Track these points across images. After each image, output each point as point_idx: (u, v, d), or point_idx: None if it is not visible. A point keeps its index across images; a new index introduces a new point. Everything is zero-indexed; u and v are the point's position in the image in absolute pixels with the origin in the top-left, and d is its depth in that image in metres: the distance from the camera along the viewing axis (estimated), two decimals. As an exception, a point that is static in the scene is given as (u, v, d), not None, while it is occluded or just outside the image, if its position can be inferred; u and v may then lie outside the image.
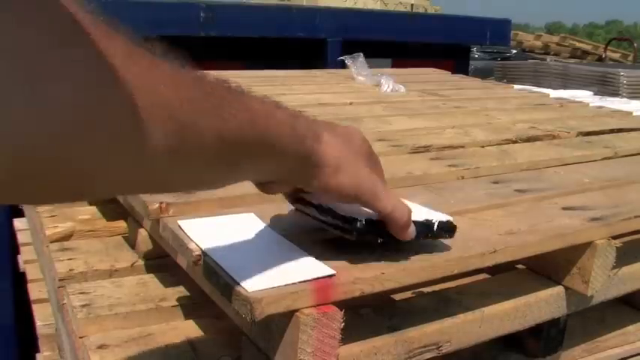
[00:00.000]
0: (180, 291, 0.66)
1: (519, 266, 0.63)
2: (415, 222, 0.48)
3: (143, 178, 0.35)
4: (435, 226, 0.50)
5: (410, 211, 0.47)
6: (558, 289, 0.59)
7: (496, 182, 0.75)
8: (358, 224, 0.46)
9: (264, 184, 0.46)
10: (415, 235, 0.48)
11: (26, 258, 1.20)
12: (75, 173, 0.29)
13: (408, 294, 0.57)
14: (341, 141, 0.45)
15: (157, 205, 0.58)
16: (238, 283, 0.43)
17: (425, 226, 0.49)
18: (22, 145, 0.26)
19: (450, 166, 0.81)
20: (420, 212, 0.51)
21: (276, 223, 0.54)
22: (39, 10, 0.26)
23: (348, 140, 0.46)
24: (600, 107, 1.38)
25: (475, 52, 5.57)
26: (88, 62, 0.28)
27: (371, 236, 0.47)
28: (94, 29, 0.30)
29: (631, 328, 0.72)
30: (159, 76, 0.33)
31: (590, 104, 1.43)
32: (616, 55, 7.31)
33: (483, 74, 2.88)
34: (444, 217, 0.51)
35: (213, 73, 0.40)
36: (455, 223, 0.51)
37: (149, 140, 0.31)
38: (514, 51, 6.86)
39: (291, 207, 0.52)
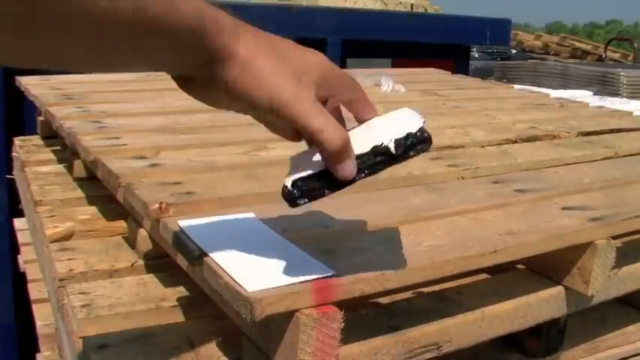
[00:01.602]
0: (180, 291, 0.66)
1: (519, 266, 0.63)
2: (361, 155, 0.41)
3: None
4: (392, 148, 0.41)
5: (347, 137, 0.39)
6: (558, 289, 0.59)
7: (496, 182, 0.75)
8: (290, 188, 0.40)
9: (179, 79, 0.42)
10: (362, 163, 0.40)
11: (26, 258, 1.20)
12: None
13: (408, 294, 0.57)
14: (266, 47, 0.38)
15: (157, 205, 0.58)
16: (238, 284, 0.43)
17: (377, 154, 0.41)
18: None
19: (449, 166, 0.81)
20: (383, 130, 0.42)
21: (276, 223, 0.54)
22: None
23: (284, 54, 0.39)
24: (600, 107, 1.38)
25: (475, 52, 5.57)
26: None
27: (312, 194, 0.41)
28: None
29: (631, 328, 0.72)
30: None
31: (590, 104, 1.43)
32: (616, 55, 7.31)
33: (483, 74, 2.88)
34: (413, 126, 0.41)
35: None
36: (424, 134, 0.42)
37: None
38: (514, 51, 6.86)
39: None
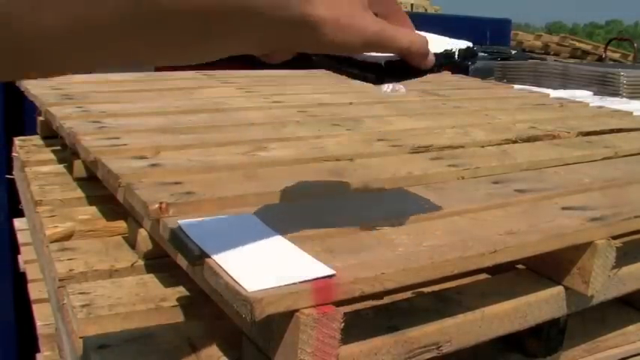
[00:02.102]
0: (181, 291, 0.66)
1: (519, 266, 0.63)
2: (436, 54, 0.48)
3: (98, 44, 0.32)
4: (456, 55, 0.50)
5: (426, 40, 0.46)
6: (558, 289, 0.59)
7: (496, 182, 0.75)
8: (376, 71, 0.46)
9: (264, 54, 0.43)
10: (436, 61, 0.48)
11: (26, 258, 1.20)
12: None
13: (408, 294, 0.57)
14: None
15: (157, 205, 0.58)
16: (238, 283, 0.43)
17: (446, 56, 0.49)
18: None
19: (450, 166, 0.81)
20: (439, 42, 0.50)
21: (276, 223, 0.54)
22: None
23: None
24: (600, 107, 1.38)
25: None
26: None
27: (392, 77, 0.48)
28: None
29: (631, 328, 0.72)
30: None
31: (590, 104, 1.43)
32: (616, 55, 7.31)
33: (483, 74, 2.87)
34: (464, 44, 0.50)
35: None
36: (475, 49, 0.51)
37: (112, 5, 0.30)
38: (514, 51, 6.86)
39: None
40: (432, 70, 0.48)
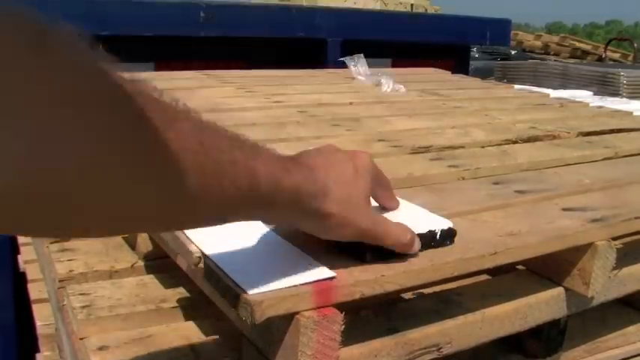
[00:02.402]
0: (181, 292, 0.66)
1: (520, 267, 0.63)
2: (419, 234, 0.50)
3: (130, 223, 0.36)
4: (438, 235, 0.51)
5: (412, 234, 0.49)
6: (559, 291, 0.59)
7: (496, 183, 0.75)
8: (367, 257, 0.48)
9: None
10: (419, 246, 0.50)
11: (26, 258, 1.20)
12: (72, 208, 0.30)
13: (408, 295, 0.57)
14: (348, 191, 0.46)
15: (157, 207, 0.58)
16: (239, 286, 0.43)
17: (428, 238, 0.51)
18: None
19: (450, 166, 0.81)
20: (420, 221, 0.52)
21: (276, 225, 0.54)
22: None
23: (356, 182, 0.48)
24: (600, 107, 1.38)
25: (475, 52, 5.57)
26: (98, 132, 0.29)
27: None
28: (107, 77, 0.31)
29: (631, 328, 0.72)
30: (171, 138, 0.33)
31: (590, 104, 1.43)
32: (616, 55, 7.31)
33: (483, 74, 2.88)
34: (446, 225, 0.52)
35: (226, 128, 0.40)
36: (455, 229, 0.52)
37: (142, 198, 0.33)
38: (514, 51, 6.86)
39: None
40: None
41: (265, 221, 0.49)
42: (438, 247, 0.51)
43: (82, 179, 0.29)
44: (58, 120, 0.27)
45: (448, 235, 0.52)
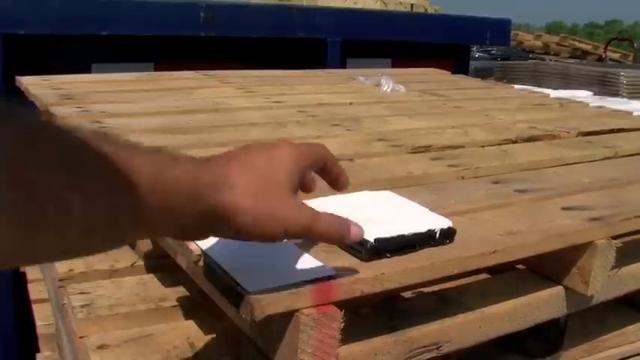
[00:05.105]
0: (181, 291, 0.66)
1: (519, 266, 0.63)
2: (418, 233, 0.50)
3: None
4: (437, 234, 0.51)
5: (339, 222, 0.44)
6: (558, 290, 0.59)
7: (496, 182, 0.75)
8: (368, 245, 0.47)
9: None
10: (417, 240, 0.50)
11: (26, 258, 1.20)
12: None
13: (408, 294, 0.57)
14: (257, 179, 0.41)
15: (157, 206, 0.58)
16: (238, 284, 0.43)
17: (427, 236, 0.51)
18: None
19: (450, 166, 0.81)
20: (419, 219, 0.52)
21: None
22: None
23: (269, 170, 0.43)
24: (600, 107, 1.38)
25: (475, 52, 5.57)
26: None
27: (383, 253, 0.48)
28: None
29: (631, 328, 0.72)
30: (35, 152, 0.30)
31: (590, 104, 1.43)
32: (616, 55, 7.31)
33: (483, 74, 2.88)
34: (445, 224, 0.52)
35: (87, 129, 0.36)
36: (454, 228, 0.52)
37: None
38: (513, 51, 6.86)
39: None
40: (413, 249, 0.50)
41: (177, 237, 0.43)
42: (437, 245, 0.51)
43: None
44: None
45: (448, 234, 0.52)
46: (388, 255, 0.48)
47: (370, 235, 0.47)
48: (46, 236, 0.32)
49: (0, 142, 0.29)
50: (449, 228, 0.52)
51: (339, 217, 0.44)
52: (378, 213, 0.54)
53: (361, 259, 0.48)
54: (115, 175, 0.33)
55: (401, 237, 0.49)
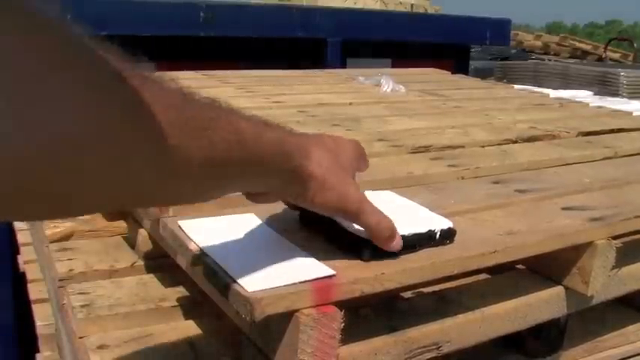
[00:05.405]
0: (180, 291, 0.66)
1: (519, 266, 0.63)
2: (418, 234, 0.50)
3: (130, 192, 0.35)
4: (438, 235, 0.51)
5: (392, 224, 0.48)
6: (558, 290, 0.59)
7: (496, 182, 0.75)
8: (369, 245, 0.47)
9: (252, 194, 0.47)
10: (402, 245, 0.49)
11: (26, 258, 1.20)
12: (69, 187, 0.30)
13: (408, 294, 0.57)
14: (329, 156, 0.46)
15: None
16: (238, 284, 0.43)
17: (427, 236, 0.51)
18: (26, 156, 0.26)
19: (450, 166, 0.81)
20: (420, 220, 0.52)
21: (276, 223, 0.54)
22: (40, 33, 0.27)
23: (337, 154, 0.48)
24: (600, 107, 1.38)
25: (475, 52, 5.56)
26: (86, 83, 0.29)
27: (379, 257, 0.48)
28: (88, 50, 0.30)
29: (631, 328, 0.72)
30: (149, 97, 0.33)
31: (590, 104, 1.43)
32: (616, 55, 7.31)
33: (483, 74, 2.88)
34: (445, 224, 0.52)
35: (201, 93, 0.40)
36: (455, 228, 0.52)
37: (138, 160, 0.33)
38: (513, 51, 6.86)
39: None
40: (413, 249, 0.50)
41: (256, 187, 0.47)
42: (437, 246, 0.51)
43: (80, 137, 0.29)
44: (42, 77, 0.27)
45: (448, 235, 0.52)
46: (388, 255, 0.48)
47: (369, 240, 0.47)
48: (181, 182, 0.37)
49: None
50: (449, 228, 0.52)
51: (392, 223, 0.48)
52: None
53: (361, 259, 0.48)
54: (228, 135, 0.39)
55: (401, 237, 0.49)
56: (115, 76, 0.31)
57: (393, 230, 0.48)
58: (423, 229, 0.51)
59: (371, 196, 0.57)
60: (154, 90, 0.34)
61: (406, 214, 0.54)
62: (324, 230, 0.51)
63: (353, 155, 0.50)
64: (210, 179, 0.40)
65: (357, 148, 0.52)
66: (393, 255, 0.48)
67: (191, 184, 0.38)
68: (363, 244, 0.48)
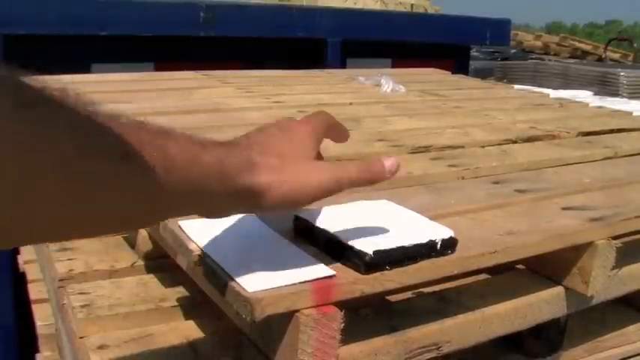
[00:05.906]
0: (181, 291, 0.66)
1: (519, 266, 0.63)
2: (419, 244, 0.48)
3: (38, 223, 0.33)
4: (439, 245, 0.49)
5: (359, 161, 0.46)
6: (558, 290, 0.59)
7: (496, 182, 0.75)
8: (367, 258, 0.46)
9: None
10: (417, 252, 0.48)
11: (26, 258, 1.20)
12: None
13: (408, 294, 0.57)
14: (278, 153, 0.44)
15: (157, 206, 0.58)
16: (238, 284, 0.43)
17: (429, 247, 0.49)
18: None
19: (450, 166, 0.81)
20: (420, 229, 0.51)
21: (276, 223, 0.54)
22: None
23: (290, 140, 0.45)
24: (600, 107, 1.38)
25: (475, 52, 5.56)
26: None
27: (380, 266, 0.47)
28: None
29: (631, 328, 0.72)
30: (59, 129, 0.32)
31: (590, 104, 1.43)
32: (616, 55, 7.31)
33: (483, 74, 2.88)
34: (447, 233, 0.50)
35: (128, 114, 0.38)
36: (456, 237, 0.51)
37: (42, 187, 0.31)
38: (513, 50, 6.86)
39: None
40: (413, 260, 0.48)
41: (203, 214, 0.44)
42: (438, 256, 0.49)
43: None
44: None
45: (449, 245, 0.50)
46: (387, 267, 0.47)
47: (369, 248, 0.46)
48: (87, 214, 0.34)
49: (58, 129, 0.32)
50: (450, 238, 0.50)
51: (366, 160, 0.46)
52: (376, 223, 0.52)
53: (360, 272, 0.46)
54: (152, 162, 0.36)
55: (401, 249, 0.47)
56: (18, 104, 0.30)
57: (374, 165, 0.46)
58: (423, 240, 0.49)
59: (367, 206, 0.56)
60: (60, 113, 0.33)
61: (405, 224, 0.52)
62: (319, 244, 0.50)
63: (307, 137, 0.47)
64: (142, 212, 0.37)
65: (309, 127, 0.48)
66: (392, 266, 0.47)
67: (104, 214, 0.35)
68: (358, 258, 0.46)
